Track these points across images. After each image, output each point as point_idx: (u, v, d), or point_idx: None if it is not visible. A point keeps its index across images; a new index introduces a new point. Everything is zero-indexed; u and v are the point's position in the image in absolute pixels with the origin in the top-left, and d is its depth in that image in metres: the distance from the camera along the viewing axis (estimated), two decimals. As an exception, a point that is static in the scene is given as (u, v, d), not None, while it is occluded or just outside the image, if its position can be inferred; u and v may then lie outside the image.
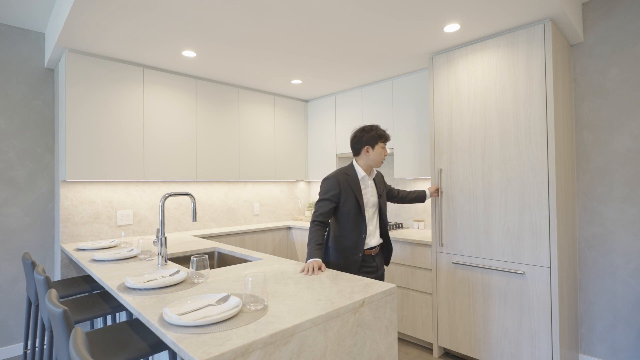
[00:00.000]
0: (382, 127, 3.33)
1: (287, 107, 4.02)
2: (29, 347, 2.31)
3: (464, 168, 2.47)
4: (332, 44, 2.54)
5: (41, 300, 1.72)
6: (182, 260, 2.35)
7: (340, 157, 3.88)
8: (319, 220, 1.92)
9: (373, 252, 2.03)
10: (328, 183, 1.97)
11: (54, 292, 1.32)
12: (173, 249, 2.46)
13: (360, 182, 2.00)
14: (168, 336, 1.01)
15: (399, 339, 2.91)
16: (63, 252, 2.64)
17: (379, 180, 2.13)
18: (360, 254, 1.95)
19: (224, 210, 3.62)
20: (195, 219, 2.02)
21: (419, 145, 3.06)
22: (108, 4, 1.96)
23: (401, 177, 3.19)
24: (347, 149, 3.70)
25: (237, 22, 2.20)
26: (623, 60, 2.30)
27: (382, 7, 2.01)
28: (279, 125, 3.93)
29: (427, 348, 2.75)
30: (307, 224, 3.68)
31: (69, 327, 1.17)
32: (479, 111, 2.40)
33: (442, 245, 2.56)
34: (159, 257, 1.91)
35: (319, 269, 1.73)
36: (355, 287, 1.46)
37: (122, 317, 2.51)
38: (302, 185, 4.42)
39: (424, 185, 3.34)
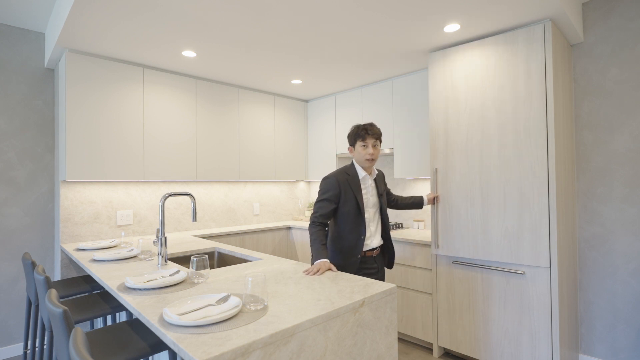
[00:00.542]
0: (382, 126, 3.33)
1: (287, 107, 4.02)
2: (29, 347, 2.31)
3: (461, 167, 2.43)
4: (332, 44, 2.54)
5: (41, 300, 1.72)
6: (182, 260, 2.35)
7: (340, 157, 3.88)
8: (319, 222, 1.89)
9: (374, 253, 2.00)
10: (328, 182, 1.94)
11: (54, 292, 1.32)
12: (173, 249, 2.46)
13: (361, 182, 1.97)
14: (168, 336, 1.01)
15: (399, 339, 2.91)
16: (63, 252, 2.64)
17: (379, 179, 2.11)
18: (359, 256, 1.92)
19: (224, 210, 3.62)
20: (195, 219, 2.02)
21: (419, 145, 3.06)
22: (108, 4, 1.96)
23: (401, 177, 3.19)
24: (347, 149, 3.69)
25: (237, 22, 2.20)
26: (623, 60, 2.30)
27: (382, 7, 2.01)
28: (279, 125, 3.93)
29: (427, 348, 2.75)
30: (307, 224, 3.68)
31: (69, 327, 1.17)
32: (476, 110, 2.37)
33: (438, 247, 2.53)
34: (159, 257, 1.91)
35: (328, 270, 1.69)
36: (355, 287, 1.46)
37: (122, 317, 2.51)
38: (302, 185, 4.42)
39: (424, 186, 3.33)
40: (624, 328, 2.27)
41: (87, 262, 2.04)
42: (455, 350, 2.51)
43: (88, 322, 2.77)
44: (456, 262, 2.47)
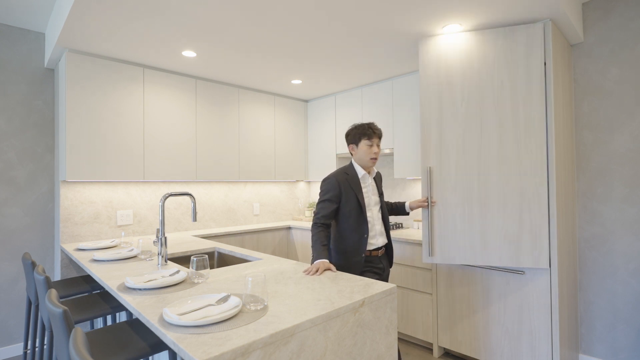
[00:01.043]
0: (382, 126, 3.33)
1: (287, 107, 4.02)
2: (29, 347, 2.31)
3: (457, 167, 2.27)
4: (332, 43, 2.54)
5: (41, 300, 1.72)
6: (182, 260, 2.35)
7: (340, 157, 3.88)
8: (321, 223, 1.88)
9: (380, 252, 1.98)
10: (328, 183, 1.94)
11: (54, 292, 1.32)
12: (173, 249, 2.46)
13: (361, 181, 1.97)
14: (168, 336, 1.01)
15: (399, 339, 2.91)
16: (63, 252, 2.64)
17: (378, 179, 2.11)
18: (363, 255, 1.91)
19: (224, 210, 3.62)
20: (195, 219, 2.02)
21: (419, 145, 3.06)
22: (108, 4, 1.96)
23: (401, 177, 3.19)
24: (347, 149, 3.70)
25: (237, 22, 2.20)
26: (623, 60, 2.30)
27: (382, 5, 2.01)
28: (279, 125, 3.93)
29: (427, 348, 2.75)
30: (307, 224, 3.68)
31: (69, 327, 1.17)
32: (474, 103, 2.23)
33: (432, 254, 2.28)
34: (159, 257, 1.91)
35: (327, 270, 1.70)
36: (355, 287, 1.46)
37: (122, 317, 2.51)
38: (302, 185, 4.42)
39: (424, 185, 3.34)
40: (624, 328, 2.27)
41: (87, 262, 2.04)
42: (455, 350, 2.51)
43: (88, 322, 2.77)
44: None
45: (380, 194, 2.06)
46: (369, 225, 1.95)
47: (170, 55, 2.74)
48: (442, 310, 2.58)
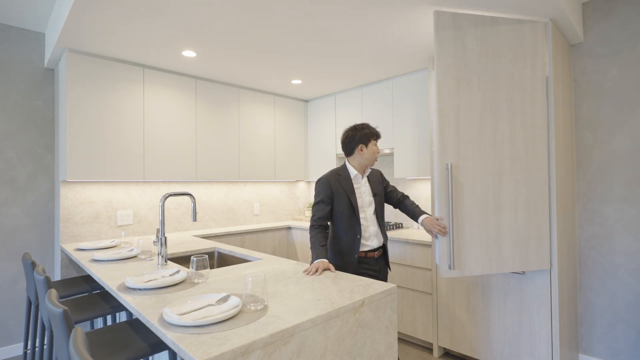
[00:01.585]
0: (382, 126, 3.33)
1: (287, 107, 4.02)
2: (29, 347, 2.31)
3: (474, 165, 2.00)
4: (332, 44, 2.54)
5: (41, 300, 1.72)
6: (182, 260, 2.35)
7: (340, 157, 3.88)
8: (318, 224, 1.91)
9: (376, 254, 1.98)
10: (319, 185, 1.97)
11: (54, 292, 1.32)
12: (173, 249, 2.46)
13: (353, 181, 1.97)
14: (168, 336, 1.01)
15: (399, 339, 2.91)
16: (63, 252, 2.64)
17: (374, 180, 2.06)
18: (356, 256, 1.92)
19: (224, 210, 3.62)
20: (195, 219, 2.02)
21: (419, 145, 3.06)
22: (108, 4, 1.96)
23: (401, 177, 3.19)
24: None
25: (237, 22, 2.20)
26: (623, 60, 2.30)
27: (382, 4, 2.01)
28: (279, 125, 3.93)
29: (427, 348, 2.75)
30: (307, 224, 3.68)
31: (69, 327, 1.17)
32: (489, 94, 2.03)
33: (453, 267, 1.94)
34: (159, 257, 1.91)
35: (326, 269, 1.70)
36: (355, 287, 1.46)
37: (122, 317, 2.51)
38: (302, 185, 4.42)
39: (424, 186, 3.34)
40: (624, 328, 2.27)
41: (87, 262, 2.04)
42: (455, 350, 2.51)
43: (88, 322, 2.77)
44: (456, 262, 2.47)
45: (375, 194, 2.02)
46: (362, 227, 1.95)
47: (170, 55, 2.74)
48: (442, 310, 2.58)
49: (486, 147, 2.02)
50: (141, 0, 1.93)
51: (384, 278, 2.05)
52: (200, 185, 3.46)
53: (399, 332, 2.88)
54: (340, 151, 3.79)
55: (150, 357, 1.98)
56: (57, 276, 2.78)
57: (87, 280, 2.30)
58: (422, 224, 1.99)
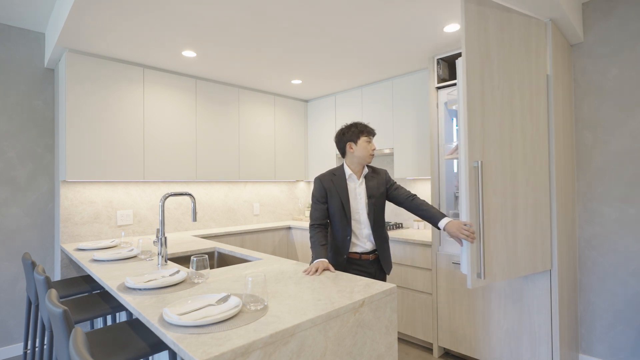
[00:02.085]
0: (382, 126, 3.33)
1: (287, 107, 4.02)
2: (29, 347, 2.31)
3: (496, 164, 1.86)
4: (332, 43, 2.54)
5: (41, 300, 1.72)
6: (182, 260, 2.35)
7: (340, 157, 3.87)
8: (317, 224, 1.91)
9: (371, 257, 1.94)
10: (314, 185, 1.99)
11: (54, 292, 1.32)
12: (173, 249, 2.46)
13: (347, 181, 1.95)
14: (168, 336, 1.01)
15: (399, 339, 2.91)
16: (63, 252, 2.64)
17: (375, 181, 1.98)
18: (345, 256, 1.92)
19: (224, 210, 3.62)
20: (195, 219, 2.02)
21: (419, 145, 3.06)
22: (108, 4, 1.96)
23: (401, 177, 3.19)
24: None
25: (237, 22, 2.20)
26: (623, 60, 2.30)
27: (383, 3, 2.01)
28: (279, 125, 3.93)
29: (427, 348, 2.75)
30: (307, 224, 3.68)
31: (69, 327, 1.17)
32: (507, 93, 1.92)
33: (483, 277, 1.76)
34: (159, 257, 1.91)
35: (326, 269, 1.70)
36: (355, 287, 1.46)
37: (122, 317, 2.51)
38: (302, 185, 4.42)
39: (424, 186, 3.33)
40: (624, 328, 2.27)
41: (87, 262, 2.04)
42: (455, 350, 2.51)
43: (88, 322, 2.77)
44: (456, 262, 2.47)
45: (371, 196, 1.94)
46: (354, 228, 1.93)
47: (170, 55, 2.74)
48: (442, 310, 2.58)
49: (504, 145, 1.90)
50: (141, 0, 1.93)
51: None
52: (200, 185, 3.46)
53: (399, 332, 2.89)
54: (340, 151, 3.79)
55: (150, 357, 1.98)
56: (57, 276, 2.78)
57: (87, 280, 2.30)
58: (446, 230, 1.75)
